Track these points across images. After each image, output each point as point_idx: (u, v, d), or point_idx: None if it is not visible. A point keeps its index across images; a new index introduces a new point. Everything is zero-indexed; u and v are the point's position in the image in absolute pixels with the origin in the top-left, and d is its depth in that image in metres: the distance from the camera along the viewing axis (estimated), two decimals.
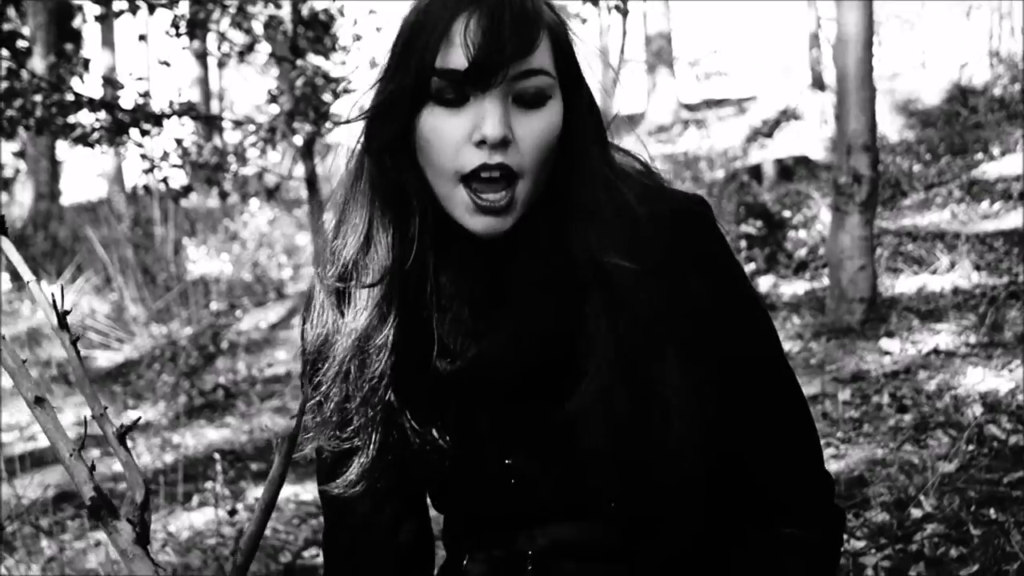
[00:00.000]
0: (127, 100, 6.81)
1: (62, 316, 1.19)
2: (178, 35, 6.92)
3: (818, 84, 22.38)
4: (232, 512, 5.63)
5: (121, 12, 6.70)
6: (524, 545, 1.66)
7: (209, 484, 7.00)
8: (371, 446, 1.59)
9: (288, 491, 6.85)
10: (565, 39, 1.54)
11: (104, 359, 11.65)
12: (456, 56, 1.45)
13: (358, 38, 7.28)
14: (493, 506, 1.64)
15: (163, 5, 6.71)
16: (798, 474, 1.70)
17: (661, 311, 1.56)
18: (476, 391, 1.59)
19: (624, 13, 24.25)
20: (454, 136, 1.46)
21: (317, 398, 1.61)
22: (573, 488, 1.59)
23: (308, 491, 6.78)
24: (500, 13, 1.44)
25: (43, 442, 9.17)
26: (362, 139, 1.61)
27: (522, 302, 1.55)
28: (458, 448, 1.60)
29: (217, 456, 7.15)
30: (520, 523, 1.65)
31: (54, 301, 1.20)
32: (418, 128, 1.49)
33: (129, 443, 4.92)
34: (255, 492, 6.88)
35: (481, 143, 1.45)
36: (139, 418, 1.22)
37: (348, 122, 1.62)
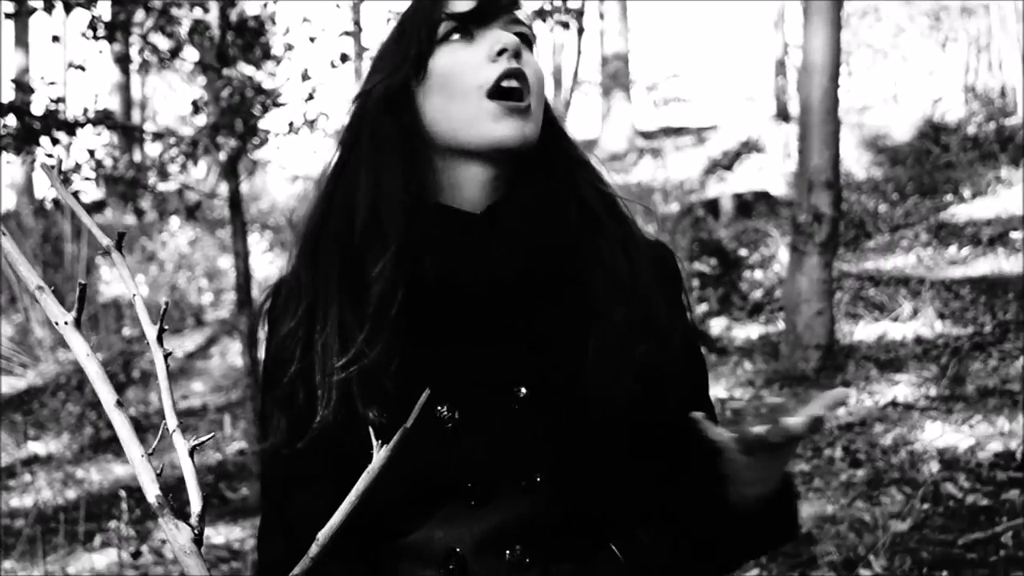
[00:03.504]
0: (38, 106, 6.77)
1: (161, 331, 1.35)
2: (96, 38, 6.89)
3: (783, 115, 22.56)
4: (136, 554, 5.61)
5: (35, 10, 6.68)
6: (445, 539, 1.65)
7: (113, 523, 6.96)
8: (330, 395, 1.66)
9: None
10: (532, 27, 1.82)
11: (6, 385, 11.55)
12: (461, 3, 1.71)
13: (290, 47, 7.29)
14: (444, 465, 1.62)
15: (80, 4, 6.68)
16: None
17: (651, 265, 1.78)
18: (471, 302, 1.69)
19: (580, 31, 24.18)
20: (474, 59, 1.69)
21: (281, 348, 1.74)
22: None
23: (221, 533, 6.76)
24: None
25: None
26: (364, 100, 1.79)
27: (521, 210, 1.72)
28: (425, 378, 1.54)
29: (123, 493, 7.12)
30: (459, 501, 1.64)
31: (162, 313, 1.35)
32: (431, 71, 1.71)
33: (28, 477, 4.94)
34: (163, 533, 6.85)
35: (500, 53, 1.67)
36: (212, 435, 1.36)
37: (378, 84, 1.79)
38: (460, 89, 1.68)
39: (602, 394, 1.62)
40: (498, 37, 1.69)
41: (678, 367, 1.73)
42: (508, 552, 1.63)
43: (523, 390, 1.64)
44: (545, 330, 1.69)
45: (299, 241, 1.79)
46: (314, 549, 1.27)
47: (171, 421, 1.33)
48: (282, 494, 1.79)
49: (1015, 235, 11.20)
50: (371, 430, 1.27)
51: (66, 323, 1.32)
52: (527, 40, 1.75)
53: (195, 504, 1.27)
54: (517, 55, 1.68)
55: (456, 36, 1.71)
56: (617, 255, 1.72)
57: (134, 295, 1.40)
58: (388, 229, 1.67)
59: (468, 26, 1.72)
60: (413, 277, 1.67)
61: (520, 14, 1.76)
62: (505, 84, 1.66)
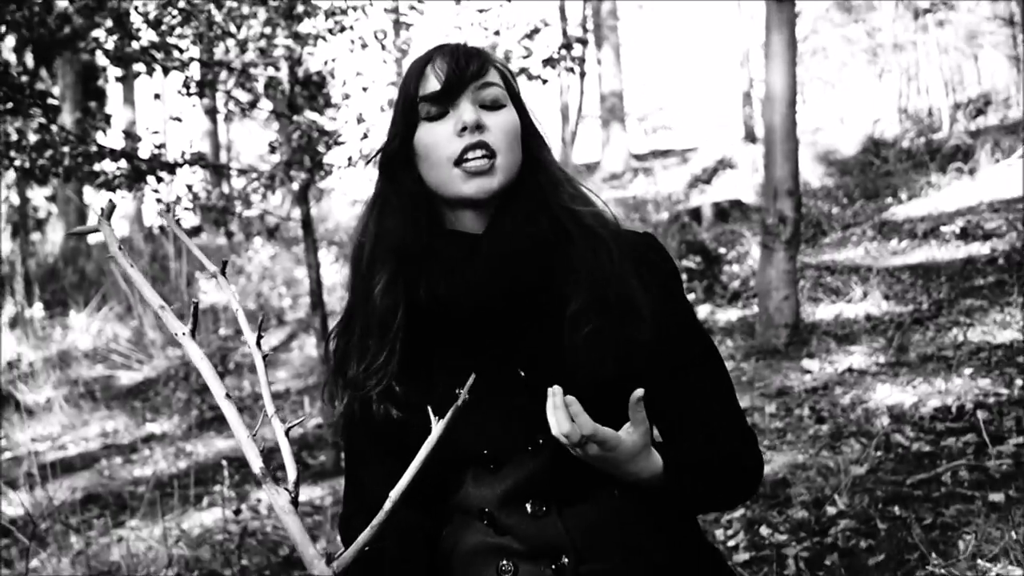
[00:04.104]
0: (144, 151, 6.81)
1: (259, 338, 1.42)
2: (189, 94, 6.93)
3: (750, 137, 22.52)
4: (237, 512, 5.63)
5: (139, 74, 6.70)
6: (479, 498, 1.71)
7: (217, 487, 6.99)
8: (390, 367, 1.74)
9: None
10: (510, 74, 1.84)
11: (126, 378, 11.62)
12: (431, 84, 1.75)
13: (347, 96, 7.30)
14: (461, 437, 1.65)
15: (176, 68, 6.71)
16: (729, 422, 1.79)
17: (629, 261, 1.77)
18: (472, 316, 1.72)
19: (582, 75, 24.01)
20: (444, 135, 1.73)
21: (347, 340, 1.82)
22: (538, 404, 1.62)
23: (304, 493, 6.78)
24: (456, 51, 1.77)
25: (73, 450, 9.14)
26: (378, 167, 1.86)
27: (502, 236, 1.74)
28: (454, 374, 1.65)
29: (224, 463, 7.14)
30: (484, 464, 1.70)
31: (260, 323, 1.41)
32: (416, 144, 1.77)
33: (147, 452, 4.95)
34: (257, 494, 6.89)
35: (463, 131, 1.71)
36: (302, 419, 1.42)
37: (378, 153, 1.86)
38: (436, 160, 1.74)
39: (582, 371, 1.64)
40: (460, 115, 1.72)
41: (656, 342, 1.73)
42: (528, 505, 1.68)
43: (521, 372, 1.68)
44: (532, 327, 1.72)
45: (349, 271, 1.88)
46: (388, 504, 1.29)
47: (269, 408, 1.38)
48: (350, 464, 1.90)
49: (944, 229, 11.16)
50: (429, 410, 1.32)
51: (183, 334, 1.36)
52: (495, 101, 1.76)
53: (291, 473, 1.32)
54: (478, 127, 1.71)
55: (433, 112, 1.75)
56: (586, 257, 1.74)
57: (237, 310, 1.45)
58: (383, 263, 1.76)
59: (440, 103, 1.74)
60: (411, 297, 1.74)
61: (489, 76, 1.77)
62: (470, 155, 1.70)
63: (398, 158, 1.80)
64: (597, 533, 1.68)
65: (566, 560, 1.66)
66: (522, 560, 1.68)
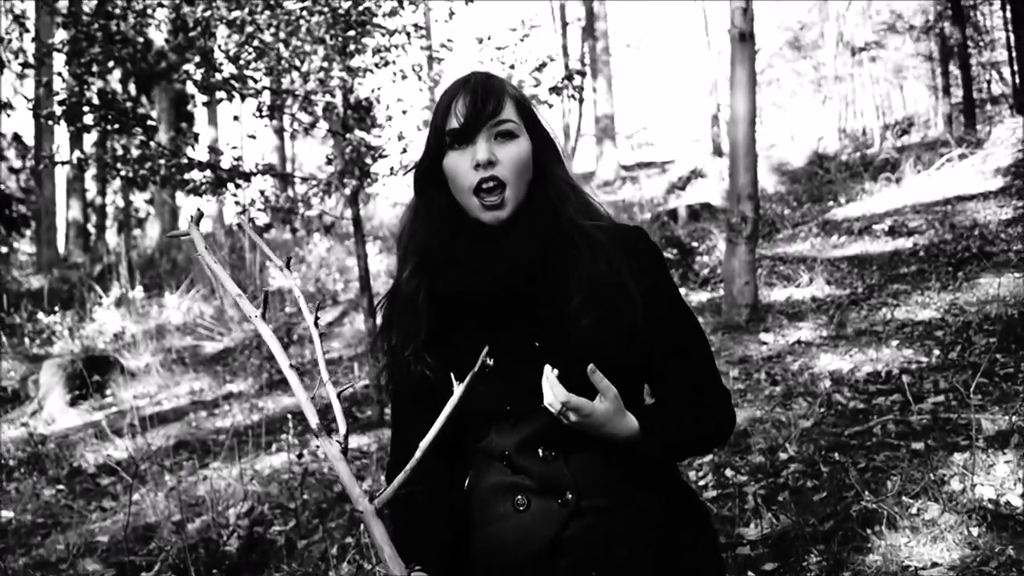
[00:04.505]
0: (225, 163, 6.81)
1: (316, 318, 1.42)
2: (261, 116, 6.93)
3: (717, 151, 22.47)
4: (300, 456, 5.64)
5: (221, 100, 6.71)
6: (500, 444, 1.71)
7: (284, 436, 7.00)
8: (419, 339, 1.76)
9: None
10: (525, 101, 1.81)
11: (210, 347, 11.64)
12: (453, 122, 1.73)
13: (390, 118, 7.28)
14: (489, 395, 1.67)
15: (251, 95, 6.71)
16: (708, 385, 1.78)
17: (622, 254, 1.75)
18: (488, 307, 1.72)
19: (580, 101, 23.94)
20: (463, 165, 1.72)
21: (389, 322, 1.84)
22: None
23: (354, 441, 6.78)
24: (476, 92, 1.73)
25: (167, 405, 9.16)
26: (412, 183, 1.86)
27: (513, 239, 1.73)
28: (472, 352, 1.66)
29: (289, 416, 7.15)
30: (500, 421, 1.71)
31: (317, 308, 1.43)
32: (444, 166, 1.75)
33: (227, 407, 4.94)
34: (316, 442, 6.89)
35: (477, 166, 1.70)
36: (351, 384, 1.44)
37: (413, 167, 1.86)
38: (459, 186, 1.74)
39: (585, 355, 1.62)
40: (475, 152, 1.71)
41: (647, 323, 1.71)
42: (540, 450, 1.68)
43: (537, 344, 1.67)
44: (542, 317, 1.70)
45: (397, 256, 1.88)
46: (418, 453, 1.29)
47: (324, 376, 1.39)
48: (395, 419, 1.89)
49: (875, 227, 11.12)
50: (452, 376, 1.35)
51: (256, 316, 1.36)
52: (509, 133, 1.74)
53: (341, 428, 1.34)
54: (490, 163, 1.70)
55: (455, 144, 1.74)
56: (587, 262, 1.72)
57: (298, 297, 1.47)
58: (410, 258, 1.79)
59: (460, 139, 1.73)
60: (433, 286, 1.74)
61: (504, 112, 1.74)
62: (484, 187, 1.69)
63: (429, 176, 1.80)
64: (595, 475, 1.68)
65: (570, 496, 1.66)
66: (534, 495, 1.69)
